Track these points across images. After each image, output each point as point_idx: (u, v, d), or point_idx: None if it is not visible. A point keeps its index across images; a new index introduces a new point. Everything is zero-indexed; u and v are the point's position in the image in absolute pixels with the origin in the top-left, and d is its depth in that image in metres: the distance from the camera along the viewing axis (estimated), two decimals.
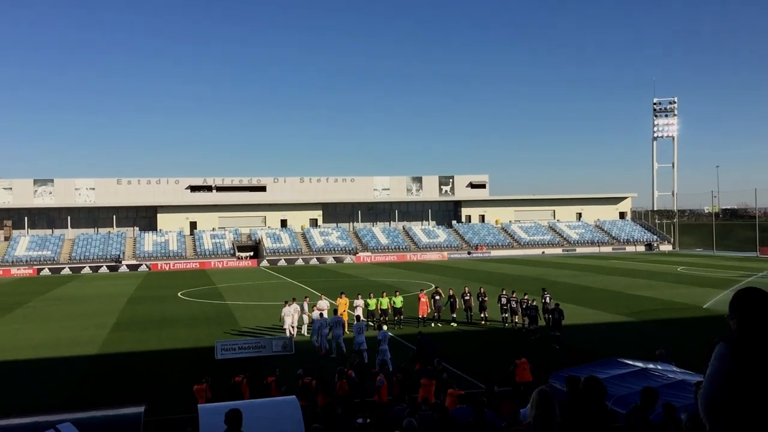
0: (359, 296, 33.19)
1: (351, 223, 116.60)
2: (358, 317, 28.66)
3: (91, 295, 55.58)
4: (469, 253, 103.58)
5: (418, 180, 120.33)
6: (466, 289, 35.03)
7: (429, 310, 33.33)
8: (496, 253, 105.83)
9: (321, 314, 29.43)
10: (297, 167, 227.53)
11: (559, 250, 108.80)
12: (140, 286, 64.71)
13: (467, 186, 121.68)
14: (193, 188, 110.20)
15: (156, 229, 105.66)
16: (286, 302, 31.19)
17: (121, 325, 36.94)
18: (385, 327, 31.83)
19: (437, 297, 33.80)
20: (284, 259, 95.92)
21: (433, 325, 33.38)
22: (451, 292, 34.16)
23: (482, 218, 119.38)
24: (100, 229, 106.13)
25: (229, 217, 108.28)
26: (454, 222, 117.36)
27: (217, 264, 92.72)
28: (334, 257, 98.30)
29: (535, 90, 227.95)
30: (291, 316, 30.39)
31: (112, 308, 45.39)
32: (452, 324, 33.47)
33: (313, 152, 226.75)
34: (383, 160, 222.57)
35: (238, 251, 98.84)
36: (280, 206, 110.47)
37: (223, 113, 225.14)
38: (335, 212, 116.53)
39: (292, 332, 30.36)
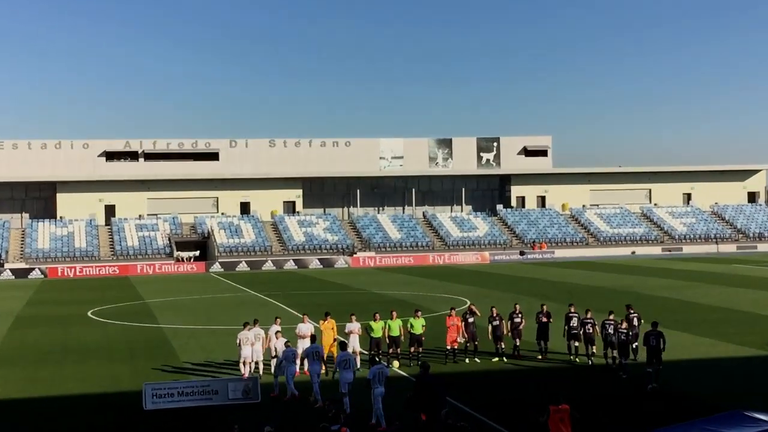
0: (352, 317, 33.17)
1: (346, 209, 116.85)
2: (342, 344, 28.50)
3: None
4: (521, 253, 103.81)
5: (446, 144, 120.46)
6: (517, 307, 35.08)
7: (461, 338, 33.39)
8: (562, 253, 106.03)
9: (286, 343, 29.44)
10: (265, 125, 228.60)
11: (656, 249, 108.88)
12: (32, 300, 65.04)
13: (520, 153, 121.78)
14: (110, 156, 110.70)
15: (55, 217, 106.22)
16: (245, 324, 31.25)
17: (2, 358, 37.18)
18: (396, 363, 32.11)
19: (470, 319, 33.79)
20: (245, 262, 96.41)
21: (467, 360, 33.44)
22: (494, 313, 34.20)
23: (542, 201, 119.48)
24: None
25: (163, 199, 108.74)
26: (499, 207, 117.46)
27: (145, 269, 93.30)
28: (320, 259, 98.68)
29: (622, 10, 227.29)
30: (250, 344, 30.36)
31: None
32: (497, 358, 33.54)
33: (290, 103, 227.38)
34: (394, 115, 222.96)
35: (177, 250, 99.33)
36: (240, 183, 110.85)
37: (154, 44, 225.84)
38: (322, 192, 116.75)
39: (253, 369, 30.48)
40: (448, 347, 33.30)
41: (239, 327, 32.46)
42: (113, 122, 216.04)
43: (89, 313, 54.30)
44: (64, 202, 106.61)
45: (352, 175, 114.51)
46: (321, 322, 32.62)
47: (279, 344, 29.91)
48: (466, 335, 33.44)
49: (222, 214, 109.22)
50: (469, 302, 53.67)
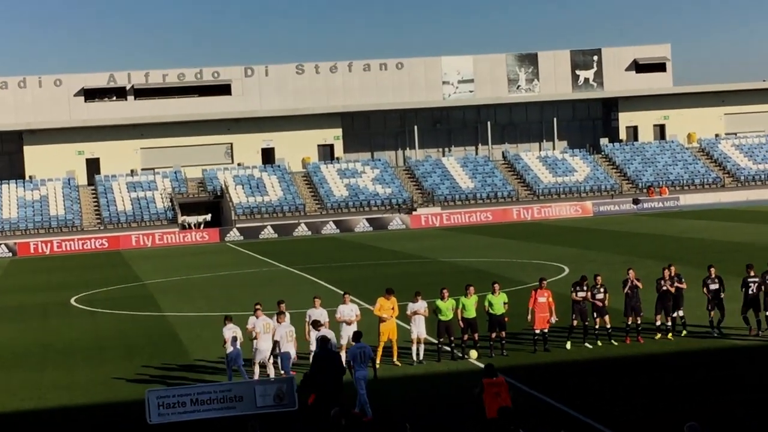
0: (418, 297, 33.23)
1: (400, 152, 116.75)
2: (357, 335, 28.46)
3: None
4: (635, 201, 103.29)
5: (531, 60, 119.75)
6: (631, 274, 34.94)
7: (554, 318, 33.37)
8: (690, 199, 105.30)
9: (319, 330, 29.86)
10: (290, 46, 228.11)
11: None
12: None
13: (629, 69, 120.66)
14: (90, 94, 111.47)
15: (22, 177, 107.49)
16: (256, 309, 31.52)
17: None
18: (474, 353, 32.22)
19: (580, 293, 33.72)
20: (271, 227, 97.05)
21: (568, 345, 33.46)
22: (598, 282, 34.13)
23: (661, 132, 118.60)
24: None
25: (161, 148, 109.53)
26: (603, 142, 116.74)
27: (142, 240, 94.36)
28: (368, 219, 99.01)
29: None
30: (269, 336, 30.75)
31: None
32: (589, 343, 33.54)
33: (321, 16, 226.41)
34: (460, 26, 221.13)
35: (183, 214, 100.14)
36: (261, 123, 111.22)
37: None
38: (368, 131, 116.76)
39: (274, 368, 30.85)
40: (537, 331, 33.32)
41: (270, 312, 32.72)
42: (93, 51, 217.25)
43: (72, 301, 54.94)
44: (33, 156, 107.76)
45: (408, 107, 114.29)
46: (379, 301, 32.72)
47: (280, 330, 30.33)
48: (553, 315, 33.36)
49: (238, 165, 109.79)
50: (567, 269, 53.63)
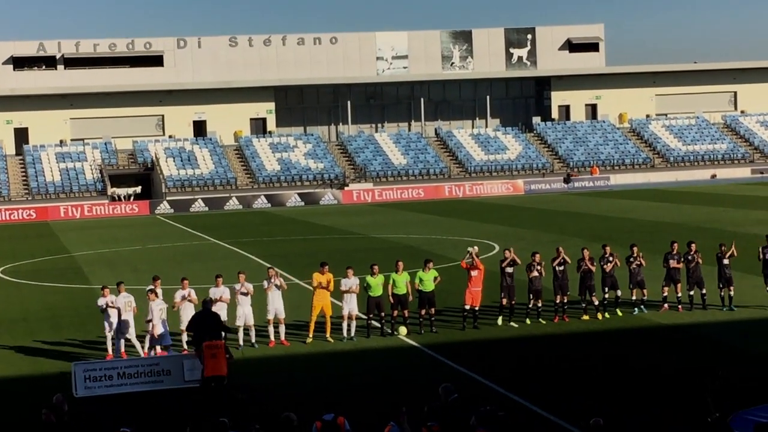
0: (349, 272, 33.32)
1: (333, 127, 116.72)
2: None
3: None
4: (566, 180, 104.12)
5: (465, 38, 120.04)
6: (561, 250, 35.21)
7: (478, 297, 33.64)
8: (620, 179, 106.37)
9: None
10: (224, 19, 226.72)
11: (744, 171, 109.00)
12: None
13: (562, 48, 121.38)
14: (19, 62, 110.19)
15: None
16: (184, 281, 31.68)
17: None
18: (403, 329, 32.39)
19: (509, 269, 33.96)
20: (202, 200, 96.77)
21: (500, 321, 33.71)
22: (536, 260, 34.33)
23: (592, 111, 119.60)
24: None
25: (91, 119, 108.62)
26: (536, 120, 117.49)
27: (70, 211, 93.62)
28: (300, 194, 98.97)
29: None
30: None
31: None
32: (529, 320, 33.84)
33: None
34: (394, 3, 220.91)
35: (112, 186, 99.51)
36: (192, 95, 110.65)
37: None
38: (301, 105, 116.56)
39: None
40: (467, 307, 33.53)
41: (205, 285, 32.70)
42: (22, 19, 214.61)
43: None
44: None
45: (341, 82, 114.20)
46: (315, 275, 32.80)
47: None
48: (471, 296, 33.57)
49: (170, 137, 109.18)
50: (497, 247, 53.95)
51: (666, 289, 35.13)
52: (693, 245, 35.31)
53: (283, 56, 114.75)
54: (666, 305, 34.98)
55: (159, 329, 29.96)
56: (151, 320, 29.92)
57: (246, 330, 32.11)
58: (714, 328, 32.66)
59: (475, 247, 34.82)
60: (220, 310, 31.01)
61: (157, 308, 30.18)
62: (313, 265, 33.68)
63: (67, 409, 19.94)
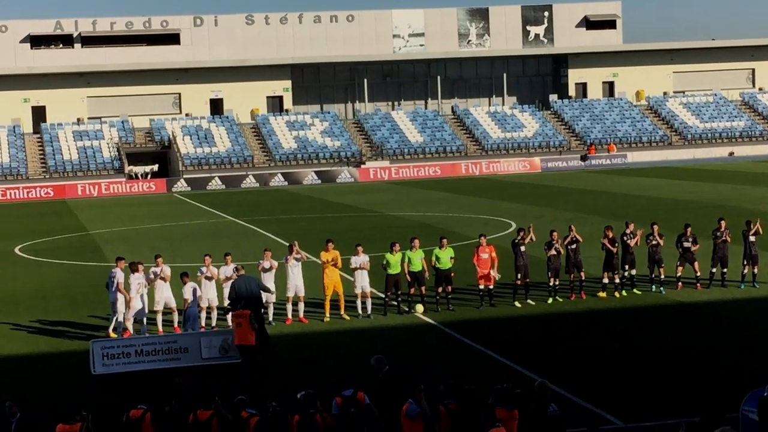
0: (359, 249, 33.16)
1: (350, 105, 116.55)
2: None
3: None
4: (583, 158, 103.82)
5: (481, 15, 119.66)
6: (572, 228, 35.09)
7: (495, 274, 33.47)
8: (637, 156, 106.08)
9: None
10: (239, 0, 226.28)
11: (763, 149, 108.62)
12: None
13: (579, 25, 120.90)
14: (36, 41, 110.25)
15: None
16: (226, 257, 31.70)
17: None
18: (420, 307, 32.39)
19: (522, 248, 33.90)
20: (219, 178, 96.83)
21: (517, 303, 33.68)
22: (554, 238, 34.23)
23: (609, 89, 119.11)
24: None
25: (108, 97, 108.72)
26: (553, 98, 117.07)
27: (88, 189, 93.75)
28: (317, 172, 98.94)
29: None
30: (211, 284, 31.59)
31: None
32: (551, 299, 33.76)
33: None
34: None
35: (129, 164, 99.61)
36: (209, 73, 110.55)
37: None
38: (318, 83, 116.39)
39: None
40: (481, 287, 33.48)
41: (221, 263, 32.69)
42: None
43: (17, 250, 54.60)
44: None
45: (358, 60, 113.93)
46: (322, 253, 32.78)
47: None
48: (494, 273, 33.44)
49: (186, 115, 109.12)
50: (514, 225, 53.84)
51: (680, 268, 35.02)
52: (722, 222, 35.24)
53: (299, 34, 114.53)
54: (680, 284, 34.90)
55: (137, 303, 30.54)
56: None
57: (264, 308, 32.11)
58: (734, 306, 32.61)
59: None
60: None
61: (135, 282, 30.58)
62: (330, 238, 33.57)
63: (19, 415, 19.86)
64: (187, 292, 30.37)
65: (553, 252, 33.82)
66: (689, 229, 35.19)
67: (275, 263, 32.10)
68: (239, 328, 26.73)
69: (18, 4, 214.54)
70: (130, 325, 30.65)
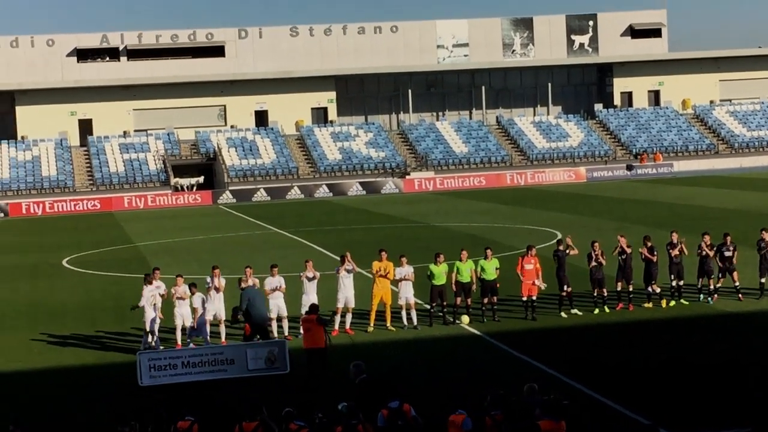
0: (403, 260, 33.20)
1: (394, 115, 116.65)
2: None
3: None
4: (629, 167, 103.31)
5: (526, 25, 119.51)
6: (621, 240, 34.90)
7: (541, 283, 33.34)
8: (684, 165, 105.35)
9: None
10: (285, 9, 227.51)
11: None
12: None
13: (624, 34, 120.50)
14: (83, 54, 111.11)
15: (15, 137, 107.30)
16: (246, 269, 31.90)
17: None
18: (465, 318, 32.32)
19: (561, 253, 33.79)
20: (264, 190, 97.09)
21: (563, 314, 33.52)
22: (596, 249, 34.07)
23: (655, 98, 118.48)
24: None
25: (154, 110, 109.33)
26: (598, 107, 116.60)
27: (134, 201, 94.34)
28: (361, 183, 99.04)
29: None
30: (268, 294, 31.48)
31: None
32: (597, 309, 33.59)
33: None
34: None
35: (175, 176, 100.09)
36: (254, 85, 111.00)
37: None
38: (362, 94, 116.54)
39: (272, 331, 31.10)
40: (524, 298, 33.34)
41: (264, 275, 32.73)
42: (85, 10, 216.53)
43: (64, 262, 55.04)
44: (25, 116, 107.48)
45: (402, 71, 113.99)
46: (374, 262, 32.79)
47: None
48: (539, 282, 33.34)
49: (231, 127, 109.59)
50: (559, 236, 53.64)
51: (721, 279, 34.73)
52: (765, 233, 34.91)
53: (343, 45, 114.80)
54: (715, 295, 34.58)
55: (149, 314, 30.93)
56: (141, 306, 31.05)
57: None
58: None
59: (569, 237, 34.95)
60: (277, 299, 31.27)
61: (149, 294, 31.08)
62: (375, 254, 33.58)
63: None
64: (196, 302, 30.82)
65: (594, 263, 33.69)
66: (728, 238, 34.91)
67: (317, 273, 32.15)
68: (309, 333, 27.15)
69: (64, 18, 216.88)
70: (178, 336, 30.98)
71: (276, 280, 31.55)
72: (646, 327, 31.72)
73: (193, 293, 30.95)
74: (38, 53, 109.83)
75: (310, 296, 31.52)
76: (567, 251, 34.02)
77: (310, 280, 31.78)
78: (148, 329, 30.99)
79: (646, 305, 34.01)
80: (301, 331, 28.41)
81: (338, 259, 34.36)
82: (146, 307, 30.83)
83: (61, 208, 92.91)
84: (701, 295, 34.46)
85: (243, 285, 30.72)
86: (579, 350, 29.10)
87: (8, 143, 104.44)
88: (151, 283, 31.24)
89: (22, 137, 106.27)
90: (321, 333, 27.06)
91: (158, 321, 31.21)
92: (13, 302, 42.35)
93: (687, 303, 34.17)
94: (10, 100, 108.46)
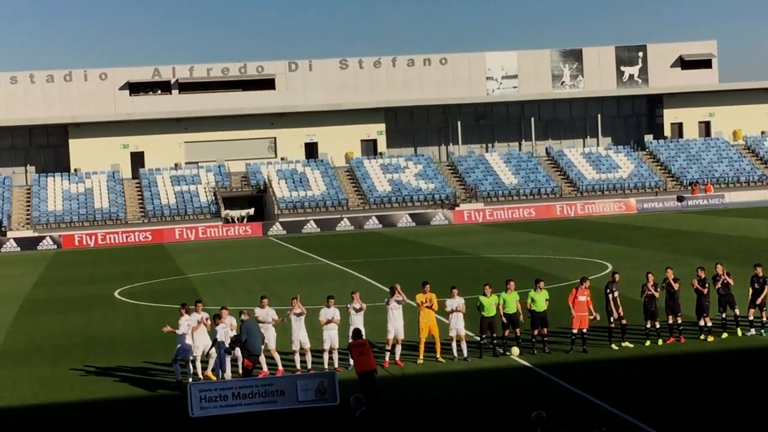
0: (454, 291, 33.18)
1: (443, 147, 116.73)
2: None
3: None
4: (680, 199, 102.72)
5: (575, 56, 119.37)
6: (669, 273, 34.67)
7: (589, 316, 33.13)
8: (735, 196, 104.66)
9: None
10: (334, 42, 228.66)
11: None
12: (43, 279, 66.60)
13: (674, 65, 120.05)
14: (135, 88, 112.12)
15: (68, 170, 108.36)
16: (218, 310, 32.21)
17: (10, 356, 38.24)
18: (516, 350, 32.25)
19: (615, 292, 33.57)
20: (314, 221, 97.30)
21: (614, 346, 33.33)
22: (650, 281, 33.86)
23: (706, 129, 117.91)
24: None
25: (205, 142, 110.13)
26: (648, 138, 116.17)
27: (185, 233, 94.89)
28: (411, 214, 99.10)
29: None
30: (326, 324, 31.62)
31: None
32: (649, 341, 33.36)
33: (364, 11, 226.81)
34: (503, 21, 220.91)
35: (226, 208, 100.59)
36: (304, 117, 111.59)
37: None
38: (411, 126, 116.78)
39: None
40: (575, 331, 33.10)
41: (316, 305, 32.80)
42: (137, 45, 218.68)
43: (116, 294, 55.43)
44: (78, 149, 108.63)
45: (451, 103, 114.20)
46: (418, 295, 32.81)
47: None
48: (594, 313, 33.18)
49: (282, 159, 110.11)
50: (610, 266, 53.36)
51: (751, 311, 34.39)
52: None
53: (393, 77, 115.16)
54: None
55: (184, 343, 31.50)
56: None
57: None
58: None
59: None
60: (331, 330, 31.31)
61: (185, 323, 31.64)
62: (421, 286, 33.53)
63: None
64: (220, 333, 30.89)
65: (648, 295, 33.49)
66: (759, 269, 34.50)
67: (364, 305, 32.21)
68: (361, 357, 27.31)
69: (117, 52, 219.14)
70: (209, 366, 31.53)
71: (331, 311, 31.70)
72: (697, 359, 31.46)
73: (217, 324, 31.11)
74: (91, 87, 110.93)
75: (357, 328, 31.66)
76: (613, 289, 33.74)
77: (357, 311, 31.84)
78: (188, 358, 31.42)
79: (701, 338, 33.72)
80: (352, 358, 28.50)
81: (387, 290, 34.41)
82: (186, 336, 31.24)
83: (114, 239, 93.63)
84: (752, 329, 34.12)
85: (244, 318, 31.09)
86: (630, 383, 28.88)
87: (62, 176, 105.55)
88: (186, 313, 31.57)
89: (75, 170, 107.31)
90: (372, 355, 27.64)
91: (196, 351, 31.53)
92: (67, 333, 42.67)
93: (740, 335, 33.88)
94: (63, 133, 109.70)
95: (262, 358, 31.20)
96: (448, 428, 19.37)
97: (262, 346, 30.88)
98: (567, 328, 34.01)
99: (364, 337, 28.30)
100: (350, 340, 28.85)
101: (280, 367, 31.50)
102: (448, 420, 20.09)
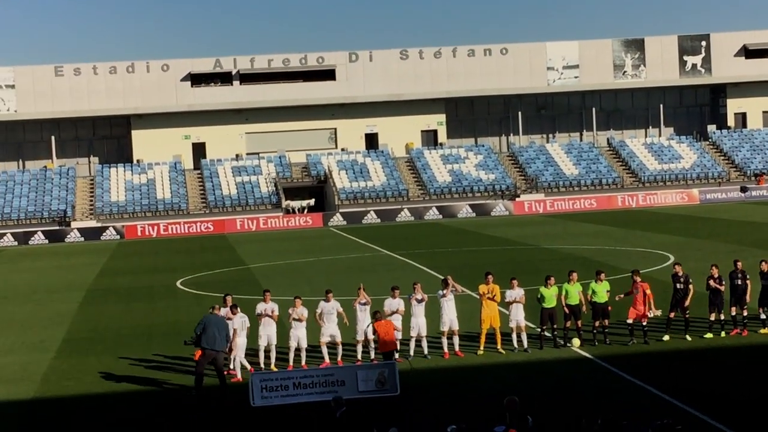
0: (514, 283, 33.14)
1: (504, 137, 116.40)
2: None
3: (18, 289, 58.37)
4: (743, 189, 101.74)
5: (637, 46, 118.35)
6: (738, 265, 34.43)
7: (651, 312, 32.90)
8: None
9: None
10: (394, 32, 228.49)
11: None
12: (106, 269, 67.32)
13: (738, 54, 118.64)
14: (197, 79, 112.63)
15: (130, 160, 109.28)
16: (360, 289, 32.32)
17: (74, 345, 38.68)
18: (576, 341, 32.18)
19: (678, 284, 33.39)
20: (374, 212, 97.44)
21: (666, 337, 33.13)
22: (715, 273, 33.64)
23: None
24: (26, 163, 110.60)
25: (266, 133, 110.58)
26: (711, 128, 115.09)
27: (246, 224, 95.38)
28: (471, 205, 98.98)
29: None
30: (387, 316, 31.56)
31: (56, 313, 47.47)
32: (710, 334, 33.15)
33: (426, 5, 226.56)
34: (564, 10, 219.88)
35: (287, 198, 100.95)
36: (365, 108, 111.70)
37: None
38: (472, 117, 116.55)
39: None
40: (629, 321, 32.94)
41: (380, 296, 32.87)
42: (199, 36, 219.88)
43: (178, 284, 55.91)
44: (141, 140, 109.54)
45: (512, 93, 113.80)
46: (481, 286, 32.80)
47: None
48: (653, 308, 32.97)
49: (342, 149, 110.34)
50: (672, 258, 53.00)
51: None
52: None
53: (453, 68, 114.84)
54: None
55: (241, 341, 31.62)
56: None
57: (418, 341, 32.26)
58: None
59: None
60: (395, 320, 31.32)
61: (240, 320, 31.68)
62: (483, 277, 33.50)
63: None
64: (237, 323, 31.23)
65: (713, 286, 33.23)
66: None
67: (426, 296, 32.27)
68: (389, 336, 29.39)
69: (179, 44, 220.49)
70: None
71: (396, 302, 31.75)
72: (763, 352, 31.21)
73: (234, 314, 31.39)
74: (153, 78, 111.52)
75: (419, 319, 31.75)
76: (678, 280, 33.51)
77: (419, 302, 31.92)
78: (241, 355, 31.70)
79: (762, 331, 33.42)
80: (381, 335, 29.62)
81: (436, 275, 34.47)
82: (238, 332, 31.32)
83: (175, 230, 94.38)
84: None
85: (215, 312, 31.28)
86: (690, 373, 28.74)
87: (124, 166, 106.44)
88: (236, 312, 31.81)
89: (138, 161, 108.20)
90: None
91: (261, 341, 31.94)
92: (129, 323, 43.11)
93: None
94: (126, 124, 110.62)
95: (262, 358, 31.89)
96: (504, 421, 19.29)
97: (227, 345, 30.26)
98: (621, 321, 33.82)
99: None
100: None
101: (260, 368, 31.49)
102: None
